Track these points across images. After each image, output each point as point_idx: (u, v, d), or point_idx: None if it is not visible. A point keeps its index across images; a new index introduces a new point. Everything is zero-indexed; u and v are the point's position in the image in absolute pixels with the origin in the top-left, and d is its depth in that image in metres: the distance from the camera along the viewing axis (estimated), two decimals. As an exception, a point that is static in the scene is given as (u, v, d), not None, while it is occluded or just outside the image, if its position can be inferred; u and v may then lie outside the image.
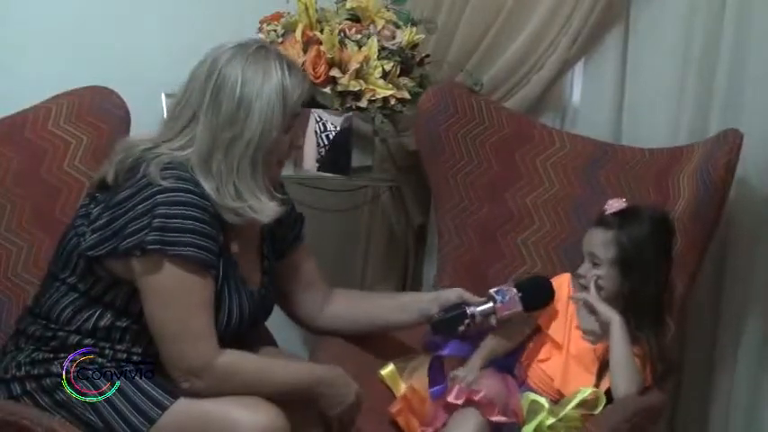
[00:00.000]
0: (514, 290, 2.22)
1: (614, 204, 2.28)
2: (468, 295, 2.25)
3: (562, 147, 2.63)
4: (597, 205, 2.50)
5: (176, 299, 1.92)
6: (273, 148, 2.00)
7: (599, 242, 2.26)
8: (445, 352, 2.27)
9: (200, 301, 1.94)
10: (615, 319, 2.22)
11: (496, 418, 2.14)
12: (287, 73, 1.99)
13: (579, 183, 2.60)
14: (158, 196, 1.91)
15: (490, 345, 2.28)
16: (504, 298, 2.20)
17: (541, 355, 2.28)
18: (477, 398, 2.15)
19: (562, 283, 2.31)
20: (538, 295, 2.26)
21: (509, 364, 2.31)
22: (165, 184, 1.92)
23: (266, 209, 2.00)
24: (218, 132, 1.96)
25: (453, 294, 2.26)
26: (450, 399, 2.19)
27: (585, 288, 2.28)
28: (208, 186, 1.96)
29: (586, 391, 2.19)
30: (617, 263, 2.24)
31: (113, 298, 1.98)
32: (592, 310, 2.26)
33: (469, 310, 2.20)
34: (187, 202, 1.92)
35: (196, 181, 1.95)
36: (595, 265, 2.26)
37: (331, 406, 2.06)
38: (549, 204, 2.59)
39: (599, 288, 2.26)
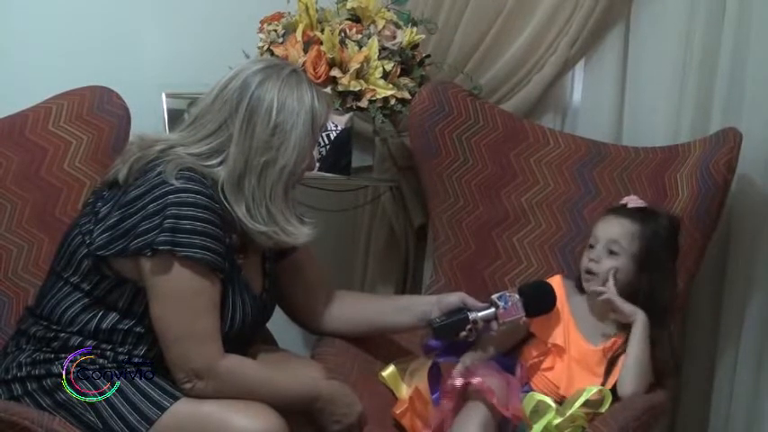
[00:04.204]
0: (517, 295, 2.20)
1: (634, 201, 2.27)
2: (470, 300, 2.23)
3: (556, 146, 2.63)
4: (592, 204, 2.50)
5: (183, 300, 1.92)
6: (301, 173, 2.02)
7: (624, 232, 2.23)
8: (442, 358, 2.26)
9: (206, 304, 1.95)
10: (640, 317, 2.20)
11: (498, 406, 2.12)
12: (316, 99, 2.00)
13: (574, 182, 2.59)
14: (170, 196, 1.91)
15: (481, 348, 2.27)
16: (507, 304, 2.19)
17: (545, 365, 2.27)
18: (475, 381, 2.14)
19: (554, 286, 2.29)
20: (541, 301, 2.24)
21: (509, 365, 2.30)
22: (176, 183, 1.92)
23: (299, 233, 2.02)
24: (251, 155, 1.96)
25: (455, 298, 2.24)
26: (444, 400, 2.18)
27: (590, 273, 2.26)
28: (238, 208, 1.96)
29: (592, 390, 2.18)
30: (637, 257, 2.23)
31: (117, 298, 1.98)
32: (611, 307, 2.24)
33: (471, 316, 2.19)
34: (197, 203, 1.92)
35: (207, 183, 1.95)
36: (612, 253, 2.24)
37: (330, 422, 2.06)
38: (544, 204, 2.59)
39: (615, 282, 2.23)
